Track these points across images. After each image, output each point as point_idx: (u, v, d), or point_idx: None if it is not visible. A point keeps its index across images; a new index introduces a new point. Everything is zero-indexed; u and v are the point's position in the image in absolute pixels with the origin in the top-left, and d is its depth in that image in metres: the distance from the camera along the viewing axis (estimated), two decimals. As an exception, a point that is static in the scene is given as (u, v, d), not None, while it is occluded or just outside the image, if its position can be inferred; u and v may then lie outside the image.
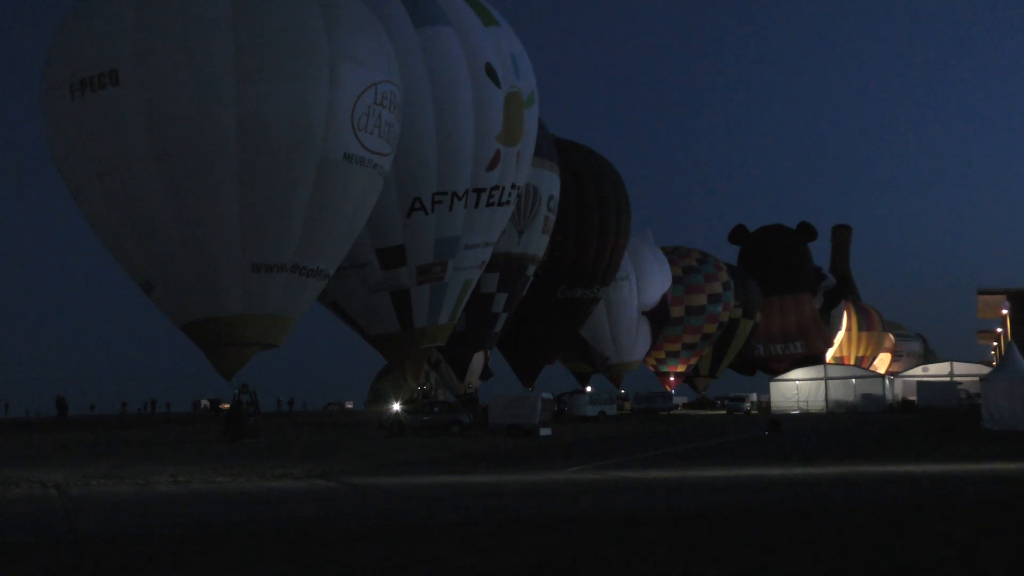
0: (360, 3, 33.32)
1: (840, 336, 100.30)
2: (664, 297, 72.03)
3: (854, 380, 75.81)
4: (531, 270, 48.79)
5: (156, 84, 28.63)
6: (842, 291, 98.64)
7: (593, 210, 55.94)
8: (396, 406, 45.76)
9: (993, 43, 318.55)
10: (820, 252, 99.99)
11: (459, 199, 39.10)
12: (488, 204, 40.28)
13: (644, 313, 70.58)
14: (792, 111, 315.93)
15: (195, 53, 28.68)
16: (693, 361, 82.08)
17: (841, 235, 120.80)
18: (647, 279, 70.43)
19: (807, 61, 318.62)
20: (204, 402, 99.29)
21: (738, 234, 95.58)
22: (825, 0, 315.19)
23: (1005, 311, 65.58)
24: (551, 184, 49.08)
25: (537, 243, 48.59)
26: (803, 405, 74.36)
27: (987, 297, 67.54)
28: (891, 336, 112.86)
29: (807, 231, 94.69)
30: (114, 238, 31.43)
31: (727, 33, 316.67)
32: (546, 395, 44.04)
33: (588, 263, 56.32)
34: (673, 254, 76.54)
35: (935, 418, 57.41)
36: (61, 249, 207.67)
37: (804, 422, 55.81)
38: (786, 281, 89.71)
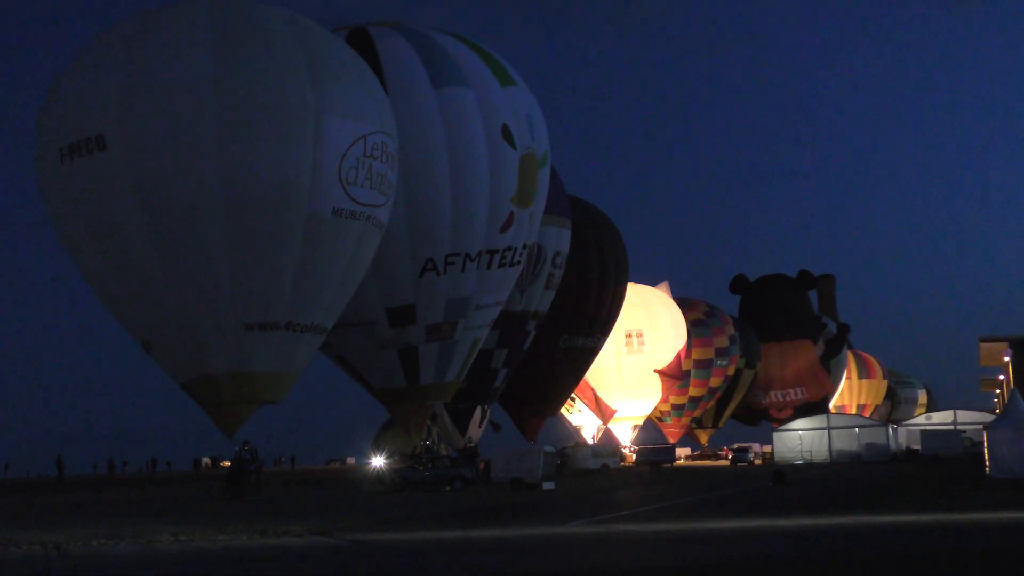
0: (351, 52, 33.07)
1: (841, 385, 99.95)
2: (677, 354, 72.04)
3: (857, 429, 75.34)
4: (532, 326, 48.70)
5: (142, 148, 28.59)
6: (843, 339, 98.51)
7: (592, 260, 56.13)
8: (379, 461, 45.35)
9: (991, 85, 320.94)
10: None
11: (472, 261, 38.99)
12: (500, 265, 40.24)
13: (657, 371, 70.61)
14: (792, 159, 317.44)
15: (178, 116, 28.65)
16: (697, 413, 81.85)
17: (826, 285, 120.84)
18: (662, 338, 70.49)
19: (806, 105, 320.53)
20: (205, 460, 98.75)
21: (738, 284, 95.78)
22: (813, 50, 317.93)
23: (1007, 359, 65.30)
24: (559, 240, 48.96)
25: (539, 299, 48.46)
26: (807, 455, 73.81)
27: (989, 345, 67.33)
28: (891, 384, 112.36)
29: (807, 279, 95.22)
30: (112, 297, 31.43)
31: (728, 94, 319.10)
32: (548, 448, 43.86)
33: (589, 312, 56.39)
34: (681, 306, 76.52)
35: (940, 467, 57.07)
36: (60, 307, 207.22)
37: (808, 472, 55.48)
38: (787, 328, 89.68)
